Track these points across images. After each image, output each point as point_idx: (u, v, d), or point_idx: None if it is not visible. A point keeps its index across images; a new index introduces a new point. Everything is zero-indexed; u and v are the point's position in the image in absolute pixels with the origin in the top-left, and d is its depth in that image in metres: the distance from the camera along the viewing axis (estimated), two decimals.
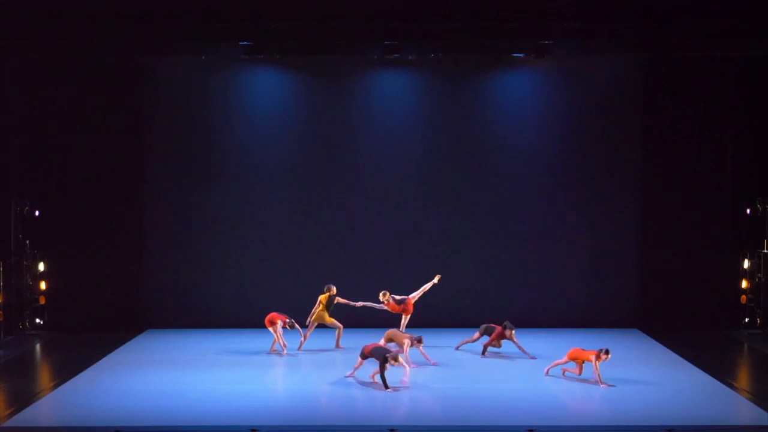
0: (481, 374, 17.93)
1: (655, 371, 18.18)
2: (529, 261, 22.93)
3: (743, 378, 18.61)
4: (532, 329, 21.82)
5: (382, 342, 18.14)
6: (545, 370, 17.55)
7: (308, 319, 19.96)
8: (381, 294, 20.07)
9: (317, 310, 19.98)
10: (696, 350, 19.88)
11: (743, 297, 22.36)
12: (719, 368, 18.28)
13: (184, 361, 19.21)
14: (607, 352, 16.59)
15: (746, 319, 22.41)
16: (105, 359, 19.36)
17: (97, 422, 14.70)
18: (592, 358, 16.65)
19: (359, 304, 20.36)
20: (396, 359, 16.42)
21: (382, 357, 16.39)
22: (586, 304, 22.89)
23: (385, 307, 20.21)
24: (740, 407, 15.90)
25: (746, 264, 22.38)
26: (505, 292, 22.71)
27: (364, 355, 16.93)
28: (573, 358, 17.05)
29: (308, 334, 19.99)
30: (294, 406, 15.76)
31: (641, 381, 17.26)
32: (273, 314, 19.52)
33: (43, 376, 19.19)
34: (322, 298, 20.03)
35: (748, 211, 22.42)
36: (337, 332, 20.20)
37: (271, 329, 19.49)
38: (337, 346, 20.16)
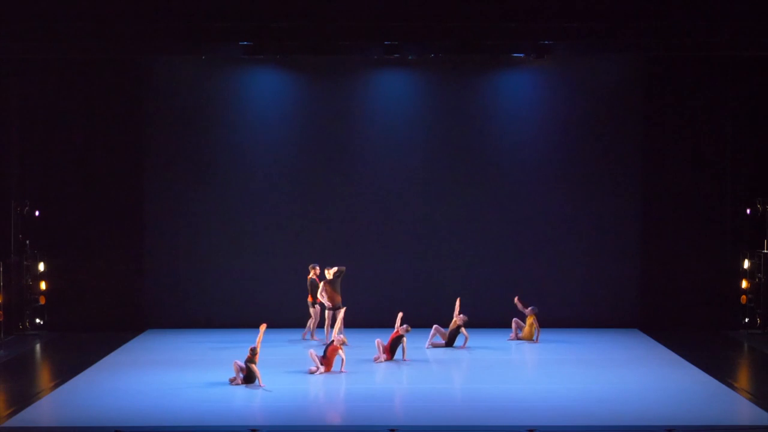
0: (481, 374, 17.91)
1: (655, 371, 18.18)
2: (529, 261, 22.91)
3: (743, 378, 18.59)
4: None
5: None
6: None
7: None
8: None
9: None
10: (696, 350, 19.87)
11: (743, 297, 22.35)
12: (719, 368, 18.26)
13: (184, 361, 19.20)
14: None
15: (746, 319, 22.40)
16: (105, 359, 19.35)
17: (97, 422, 14.67)
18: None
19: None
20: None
21: None
22: (586, 304, 22.88)
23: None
24: (740, 407, 15.89)
25: (746, 264, 22.37)
26: (504, 292, 22.66)
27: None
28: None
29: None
30: (294, 406, 15.75)
31: (641, 381, 17.25)
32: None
33: (43, 376, 19.17)
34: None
35: (748, 211, 22.42)
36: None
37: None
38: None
